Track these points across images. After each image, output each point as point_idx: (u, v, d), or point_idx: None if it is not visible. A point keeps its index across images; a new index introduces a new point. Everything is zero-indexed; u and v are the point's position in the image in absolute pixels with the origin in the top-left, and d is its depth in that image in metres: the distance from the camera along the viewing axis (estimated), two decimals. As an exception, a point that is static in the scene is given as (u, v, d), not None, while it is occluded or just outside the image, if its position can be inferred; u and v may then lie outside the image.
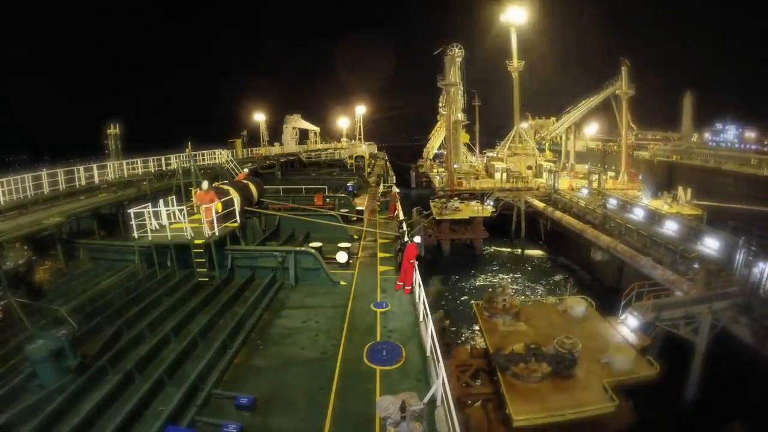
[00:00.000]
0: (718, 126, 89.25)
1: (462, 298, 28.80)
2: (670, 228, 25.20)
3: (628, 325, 15.41)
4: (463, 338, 23.33)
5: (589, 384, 12.28)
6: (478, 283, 31.63)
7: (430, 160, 72.46)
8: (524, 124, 59.01)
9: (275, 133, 67.09)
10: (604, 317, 16.41)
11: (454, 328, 23.20)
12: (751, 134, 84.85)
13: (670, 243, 22.92)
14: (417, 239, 13.29)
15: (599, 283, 29.33)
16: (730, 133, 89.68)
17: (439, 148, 72.33)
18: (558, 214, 35.35)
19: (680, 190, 36.76)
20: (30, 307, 10.28)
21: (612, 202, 33.26)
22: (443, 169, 58.03)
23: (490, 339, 14.84)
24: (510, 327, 15.47)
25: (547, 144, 64.84)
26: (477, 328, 21.78)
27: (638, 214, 29.34)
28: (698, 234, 22.82)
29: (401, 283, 12.44)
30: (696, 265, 19.35)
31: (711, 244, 21.22)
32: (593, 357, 13.20)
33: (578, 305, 16.64)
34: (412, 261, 12.19)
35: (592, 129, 65.57)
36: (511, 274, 33.46)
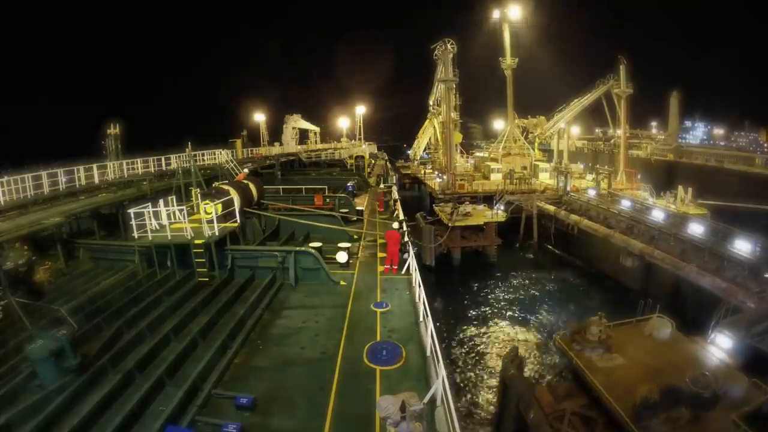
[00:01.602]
0: (687, 123, 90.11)
1: (495, 321, 25.92)
2: (696, 231, 23.87)
3: (719, 345, 14.31)
4: (484, 377, 20.50)
5: (718, 419, 11.18)
6: (502, 299, 29.00)
7: (417, 161, 71.01)
8: (500, 124, 58.25)
9: (275, 133, 67.15)
10: (690, 337, 15.31)
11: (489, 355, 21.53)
12: (719, 131, 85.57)
13: (714, 249, 21.45)
14: (395, 225, 15.29)
15: (626, 289, 27.71)
16: (699, 129, 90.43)
17: (425, 148, 71.35)
18: (574, 217, 33.70)
19: (680, 190, 36.20)
20: (30, 307, 10.28)
21: (626, 204, 32.10)
22: (431, 171, 56.71)
23: (598, 379, 13.25)
24: (608, 362, 13.94)
25: (536, 144, 64.17)
26: (547, 360, 20.59)
27: (658, 216, 28.00)
28: (729, 236, 21.75)
29: (388, 266, 13.90)
30: (766, 275, 18.23)
31: (743, 247, 20.28)
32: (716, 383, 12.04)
33: (663, 327, 15.49)
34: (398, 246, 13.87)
35: (574, 128, 65.07)
36: (535, 286, 31.11)
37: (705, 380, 11.61)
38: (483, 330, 24.75)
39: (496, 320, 26.08)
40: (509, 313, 26.98)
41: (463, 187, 44.54)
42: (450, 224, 34.08)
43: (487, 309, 27.54)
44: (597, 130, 78.31)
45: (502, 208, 37.78)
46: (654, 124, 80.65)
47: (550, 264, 35.66)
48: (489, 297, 29.39)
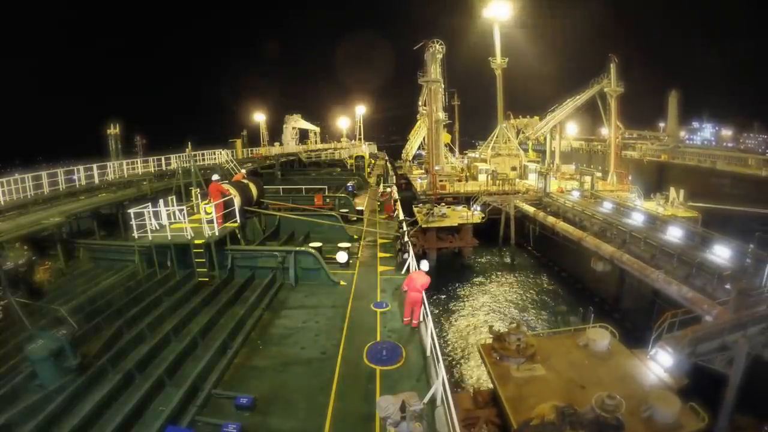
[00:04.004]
0: (695, 124, 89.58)
1: (454, 321, 26.02)
2: (674, 234, 22.99)
3: (659, 362, 13.23)
4: (461, 375, 20.28)
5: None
6: (470, 300, 29.11)
7: (410, 161, 70.61)
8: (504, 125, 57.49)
9: (275, 133, 67.16)
10: (632, 351, 14.25)
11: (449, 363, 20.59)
12: (727, 132, 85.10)
13: (684, 254, 20.31)
14: (425, 265, 10.74)
15: (598, 295, 27.42)
16: (706, 131, 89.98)
17: (419, 148, 70.83)
18: (551, 219, 33.28)
19: (672, 191, 35.31)
20: (30, 307, 10.28)
21: (608, 206, 31.40)
22: (423, 171, 55.54)
23: (504, 391, 12.24)
24: (526, 372, 12.97)
25: (530, 144, 63.34)
26: (482, 367, 17.93)
27: (637, 219, 27.30)
28: (707, 241, 20.85)
29: (408, 318, 10.38)
30: (727, 286, 16.65)
31: (721, 253, 19.43)
32: (630, 408, 10.66)
33: (601, 338, 14.29)
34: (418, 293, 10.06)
35: (572, 128, 64.24)
36: (505, 288, 31.13)
37: (612, 403, 10.31)
38: (438, 332, 23.79)
39: (453, 321, 25.86)
40: (469, 314, 26.70)
41: (445, 188, 43.94)
42: (422, 225, 33.49)
43: (450, 310, 27.31)
44: (603, 130, 77.85)
45: (478, 209, 37.33)
46: (662, 125, 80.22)
47: (526, 266, 35.70)
48: (455, 299, 29.18)
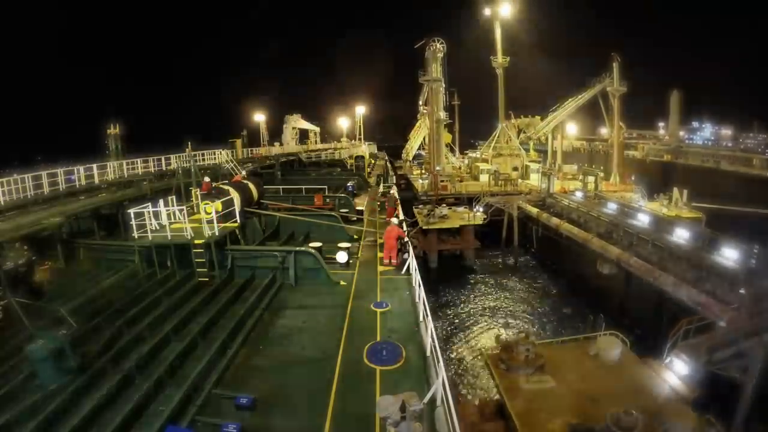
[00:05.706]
0: (695, 124, 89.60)
1: (455, 322, 25.63)
2: (681, 236, 22.51)
3: (675, 371, 12.68)
4: (462, 377, 19.92)
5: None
6: (471, 302, 28.64)
7: (410, 161, 70.53)
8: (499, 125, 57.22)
9: (275, 133, 67.11)
10: (643, 360, 13.81)
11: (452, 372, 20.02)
12: (727, 132, 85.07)
13: (694, 257, 19.86)
14: (394, 220, 15.57)
15: (604, 299, 26.54)
16: (707, 130, 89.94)
17: (419, 148, 70.73)
18: (555, 221, 32.67)
19: (675, 192, 35.01)
20: (30, 307, 10.27)
21: (612, 207, 30.87)
22: (424, 171, 55.45)
23: (513, 405, 11.80)
24: (535, 384, 12.48)
25: (532, 144, 62.86)
26: (488, 376, 17.36)
27: (643, 220, 26.66)
28: (715, 243, 20.34)
29: (387, 261, 14.41)
30: (742, 291, 16.13)
31: (729, 255, 18.82)
32: (645, 422, 10.24)
33: (612, 347, 13.76)
34: (399, 240, 14.35)
35: (572, 128, 64.20)
36: (507, 291, 30.25)
37: (628, 420, 9.76)
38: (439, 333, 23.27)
39: (454, 323, 25.54)
40: (470, 316, 26.37)
41: (446, 188, 43.62)
42: (423, 226, 33.08)
43: (451, 312, 27.07)
44: (603, 130, 77.70)
45: (480, 210, 36.82)
46: (662, 125, 79.99)
47: (529, 269, 35.14)
48: (456, 301, 28.80)
